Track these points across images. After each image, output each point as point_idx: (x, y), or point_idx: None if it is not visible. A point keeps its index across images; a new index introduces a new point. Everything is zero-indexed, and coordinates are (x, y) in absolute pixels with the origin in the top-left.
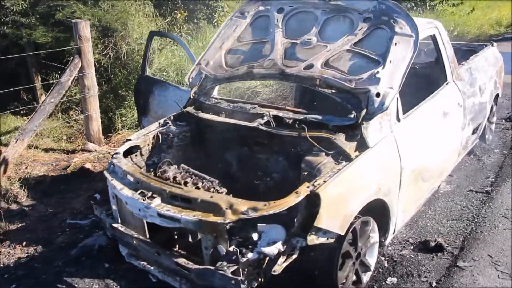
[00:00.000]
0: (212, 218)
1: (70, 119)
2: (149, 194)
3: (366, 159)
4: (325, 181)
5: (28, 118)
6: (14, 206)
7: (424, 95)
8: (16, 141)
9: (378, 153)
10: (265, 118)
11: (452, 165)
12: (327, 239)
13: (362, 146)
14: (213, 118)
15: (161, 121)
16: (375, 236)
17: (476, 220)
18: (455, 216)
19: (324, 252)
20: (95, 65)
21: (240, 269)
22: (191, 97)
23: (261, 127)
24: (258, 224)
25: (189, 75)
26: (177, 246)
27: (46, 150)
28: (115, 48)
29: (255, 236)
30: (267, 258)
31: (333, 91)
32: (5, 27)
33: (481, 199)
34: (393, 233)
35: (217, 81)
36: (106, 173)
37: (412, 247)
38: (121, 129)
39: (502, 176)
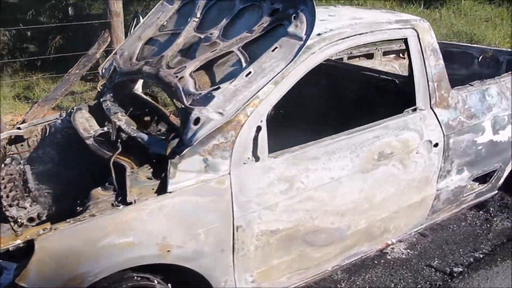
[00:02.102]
0: None
1: None
2: None
3: (146, 208)
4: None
5: (91, 84)
6: None
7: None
8: (37, 107)
9: (180, 203)
10: (106, 129)
11: (410, 226)
12: None
13: (164, 189)
14: (73, 119)
15: (64, 113)
16: None
17: None
18: None
19: None
20: None
21: None
22: (98, 90)
23: (88, 140)
24: None
25: (103, 65)
26: None
27: None
28: None
29: None
30: None
31: (182, 106)
32: None
33: (431, 284)
34: None
35: (122, 75)
36: None
37: None
38: None
39: (498, 253)
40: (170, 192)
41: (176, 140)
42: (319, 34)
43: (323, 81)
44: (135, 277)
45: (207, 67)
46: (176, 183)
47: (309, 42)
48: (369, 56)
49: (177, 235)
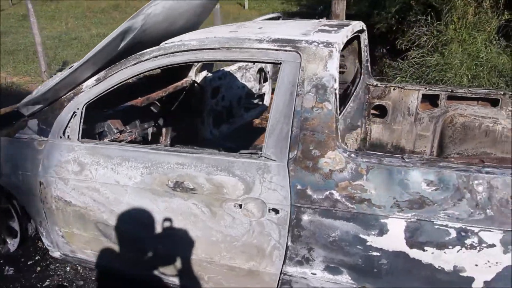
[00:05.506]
0: None
1: None
2: None
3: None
4: None
5: None
6: None
7: None
8: None
9: (14, 146)
10: None
11: None
12: None
13: None
14: None
15: None
16: None
17: None
18: None
19: None
20: None
21: None
22: None
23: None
24: None
25: None
26: None
27: None
28: None
29: None
30: None
31: None
32: None
33: None
34: None
35: None
36: None
37: None
38: None
39: None
40: (15, 138)
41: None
42: (166, 43)
43: None
44: None
45: None
46: (22, 134)
47: (147, 50)
48: (494, 102)
49: (7, 167)
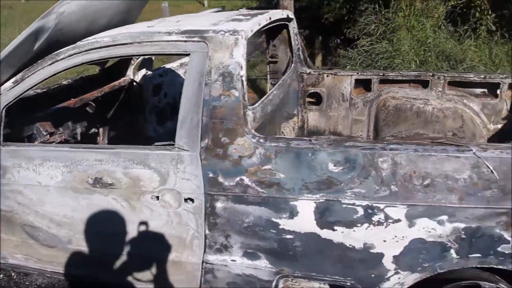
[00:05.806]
0: None
1: None
2: None
3: None
4: None
5: None
6: None
7: None
8: None
9: None
10: None
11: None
12: None
13: None
14: None
15: None
16: None
17: None
18: None
19: None
20: None
21: None
22: None
23: None
24: None
25: None
26: None
27: None
28: None
29: None
30: None
31: None
32: None
33: None
34: None
35: None
36: None
37: None
38: None
39: None
40: None
41: None
42: (82, 41)
43: None
44: None
45: None
46: None
47: (63, 49)
48: (425, 83)
49: None
